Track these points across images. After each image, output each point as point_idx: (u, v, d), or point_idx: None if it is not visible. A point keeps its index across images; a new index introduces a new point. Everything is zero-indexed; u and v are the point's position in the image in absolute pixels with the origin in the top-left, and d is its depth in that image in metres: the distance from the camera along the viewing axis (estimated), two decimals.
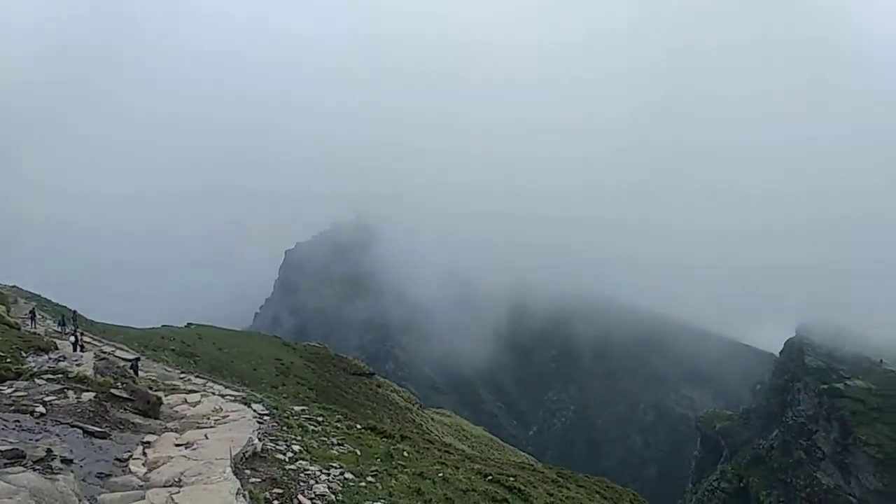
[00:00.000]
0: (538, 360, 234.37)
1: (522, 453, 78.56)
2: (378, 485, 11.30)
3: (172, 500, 7.80)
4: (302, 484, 10.07)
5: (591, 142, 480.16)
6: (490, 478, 14.67)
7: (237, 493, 7.98)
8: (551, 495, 15.46)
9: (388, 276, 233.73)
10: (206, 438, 10.53)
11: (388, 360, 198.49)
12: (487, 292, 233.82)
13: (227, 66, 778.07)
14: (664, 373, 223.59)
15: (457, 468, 14.56)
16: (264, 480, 9.64)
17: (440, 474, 13.37)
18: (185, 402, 14.43)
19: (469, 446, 61.90)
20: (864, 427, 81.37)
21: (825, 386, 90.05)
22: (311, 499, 9.58)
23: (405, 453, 14.28)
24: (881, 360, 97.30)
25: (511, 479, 15.14)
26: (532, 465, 25.54)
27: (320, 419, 15.31)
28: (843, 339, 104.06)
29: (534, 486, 15.72)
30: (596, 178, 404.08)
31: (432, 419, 67.19)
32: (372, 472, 11.86)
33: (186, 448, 9.99)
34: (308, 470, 10.76)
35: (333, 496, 9.93)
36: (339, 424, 15.34)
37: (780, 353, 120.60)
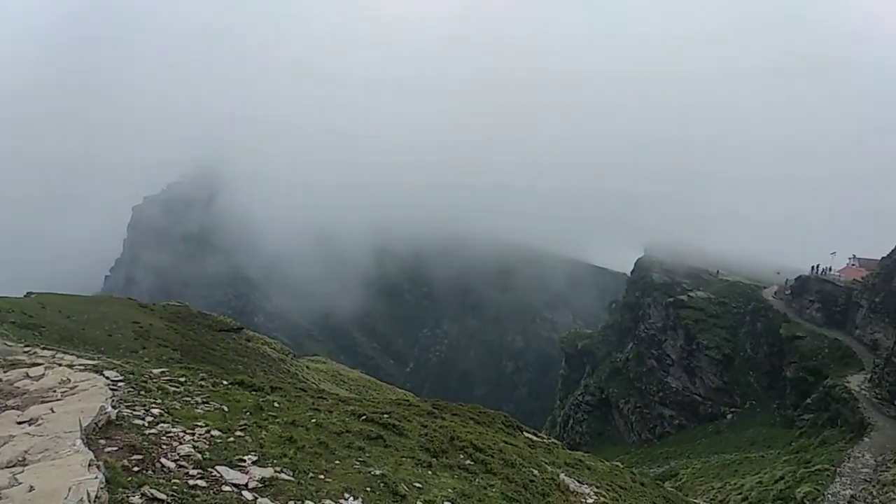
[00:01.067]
0: (410, 299, 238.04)
1: (400, 390, 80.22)
2: (248, 438, 11.03)
3: (16, 480, 7.20)
4: (164, 447, 9.60)
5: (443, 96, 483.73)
6: (364, 417, 14.76)
7: (89, 465, 7.48)
8: (425, 426, 15.82)
9: (243, 229, 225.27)
10: (53, 412, 9.74)
11: (257, 314, 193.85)
12: (350, 238, 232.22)
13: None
14: (527, 300, 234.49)
15: (330, 412, 14.51)
16: (121, 448, 9.10)
17: (313, 420, 13.26)
18: (28, 376, 13.26)
19: (347, 390, 62.36)
20: (704, 333, 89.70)
21: (671, 299, 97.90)
22: (174, 460, 9.16)
23: (276, 404, 14.00)
24: (717, 271, 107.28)
25: (385, 416, 15.32)
26: (408, 401, 26.00)
27: (182, 380, 14.61)
28: (682, 255, 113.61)
29: (408, 420, 16.02)
30: (448, 129, 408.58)
31: (307, 367, 66.70)
32: (241, 426, 11.53)
33: (30, 425, 9.20)
34: (170, 432, 10.26)
35: (200, 455, 9.56)
36: (203, 383, 14.74)
37: (631, 272, 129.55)
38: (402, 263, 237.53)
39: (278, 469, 9.96)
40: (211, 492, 8.60)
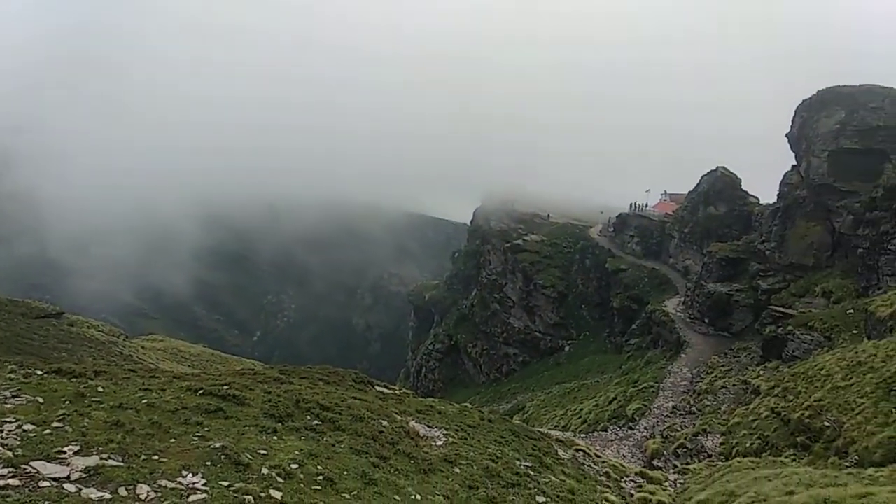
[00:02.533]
0: (248, 267, 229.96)
1: (247, 360, 77.82)
2: (68, 428, 10.17)
3: None
4: None
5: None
6: (201, 391, 14.13)
7: None
8: (269, 393, 15.47)
9: (34, 209, 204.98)
10: None
11: (79, 296, 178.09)
12: (174, 209, 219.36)
13: None
14: (374, 257, 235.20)
15: (163, 390, 13.73)
16: None
17: (143, 401, 12.48)
18: None
19: (189, 366, 59.45)
20: (541, 273, 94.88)
21: (508, 244, 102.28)
22: None
23: (100, 389, 12.98)
24: (548, 215, 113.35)
25: (224, 387, 14.77)
26: (253, 370, 25.21)
27: None
28: (516, 202, 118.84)
29: (250, 389, 15.56)
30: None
31: (143, 347, 62.72)
32: (58, 416, 10.59)
33: None
34: None
35: (10, 452, 8.69)
36: (12, 376, 13.33)
37: (471, 221, 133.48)
38: (237, 231, 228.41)
39: (105, 456, 9.32)
40: (26, 490, 7.88)
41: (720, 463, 25.39)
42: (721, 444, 30.07)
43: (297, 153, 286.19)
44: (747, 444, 27.55)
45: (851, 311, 40.43)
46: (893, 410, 21.25)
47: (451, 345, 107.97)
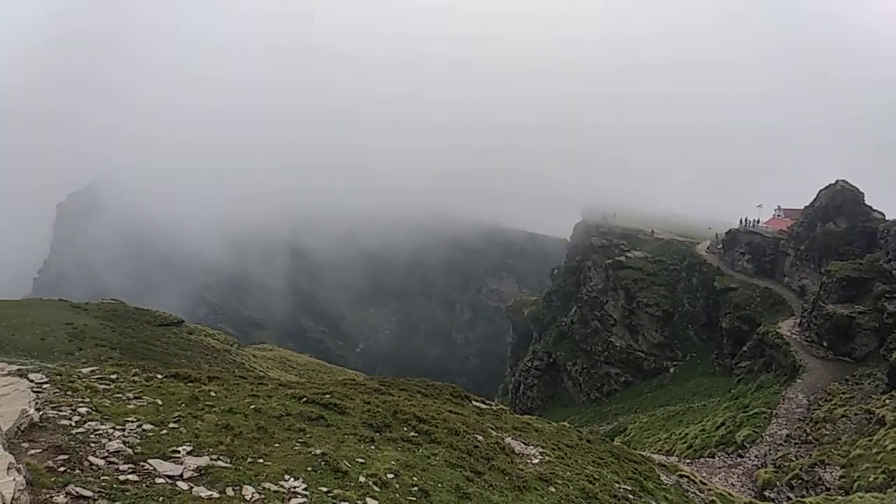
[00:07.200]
0: (352, 281, 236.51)
1: (351, 371, 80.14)
2: (182, 429, 10.84)
3: None
4: (93, 445, 9.35)
5: None
6: (305, 399, 14.68)
7: (8, 468, 7.25)
8: (368, 403, 15.84)
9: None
10: None
11: (199, 306, 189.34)
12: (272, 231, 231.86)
13: None
14: (473, 272, 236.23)
15: (270, 397, 14.37)
16: (46, 450, 8.83)
17: (252, 406, 13.11)
18: None
19: (296, 375, 61.88)
20: (644, 291, 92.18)
21: (610, 261, 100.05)
22: (104, 457, 8.94)
23: (212, 393, 13.77)
24: (652, 231, 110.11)
25: (326, 396, 15.26)
26: (354, 380, 25.91)
27: (114, 377, 14.20)
28: (618, 217, 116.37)
29: (351, 399, 16.01)
30: None
31: (254, 356, 65.93)
32: (174, 418, 11.31)
33: None
34: (99, 430, 9.99)
35: (131, 450, 9.36)
36: (136, 378, 14.37)
37: (571, 237, 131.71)
38: (334, 247, 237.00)
39: (214, 457, 9.85)
40: (143, 485, 8.45)
41: (839, 497, 23.65)
42: (840, 476, 28.00)
43: (392, 171, 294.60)
44: (871, 479, 25.53)
45: None
46: None
47: (550, 362, 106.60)
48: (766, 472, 30.95)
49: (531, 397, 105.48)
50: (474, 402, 26.25)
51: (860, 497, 21.56)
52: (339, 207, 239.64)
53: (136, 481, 8.49)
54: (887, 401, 36.96)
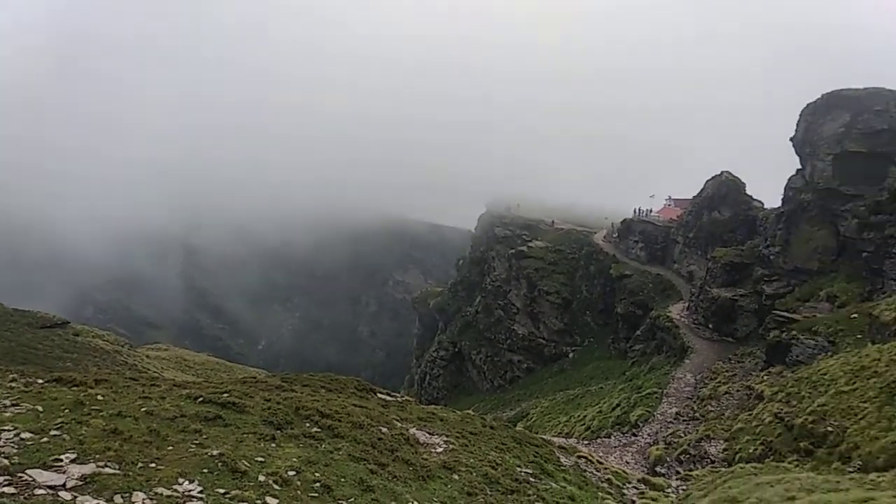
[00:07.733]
0: (250, 278, 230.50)
1: (252, 369, 78.00)
2: (66, 436, 10.21)
3: None
4: None
5: None
6: (201, 399, 14.17)
7: None
8: (268, 400, 15.49)
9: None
10: None
11: (85, 306, 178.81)
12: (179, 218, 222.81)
13: None
14: (378, 265, 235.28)
15: (163, 398, 13.77)
16: None
17: (143, 409, 12.51)
18: None
19: (193, 375, 59.63)
20: (545, 280, 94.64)
21: (512, 251, 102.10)
22: None
23: (99, 397, 13.04)
24: (553, 221, 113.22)
25: (224, 395, 14.81)
26: (255, 378, 25.26)
27: None
28: (521, 208, 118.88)
29: (250, 397, 15.60)
30: None
31: (147, 356, 62.91)
32: (57, 425, 10.63)
33: None
34: None
35: (7, 460, 8.73)
36: (13, 384, 13.41)
37: (475, 228, 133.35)
38: (242, 239, 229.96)
39: (101, 464, 9.35)
40: (21, 497, 7.91)
41: (723, 469, 25.25)
42: (724, 450, 29.94)
43: (299, 164, 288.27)
44: (750, 450, 27.43)
45: (856, 315, 40.21)
46: None
47: (456, 352, 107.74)
48: (657, 449, 32.62)
49: (437, 387, 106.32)
50: (379, 395, 26.18)
51: (741, 468, 23.11)
52: (231, 202, 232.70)
53: (12, 493, 7.94)
54: (765, 377, 39.81)
